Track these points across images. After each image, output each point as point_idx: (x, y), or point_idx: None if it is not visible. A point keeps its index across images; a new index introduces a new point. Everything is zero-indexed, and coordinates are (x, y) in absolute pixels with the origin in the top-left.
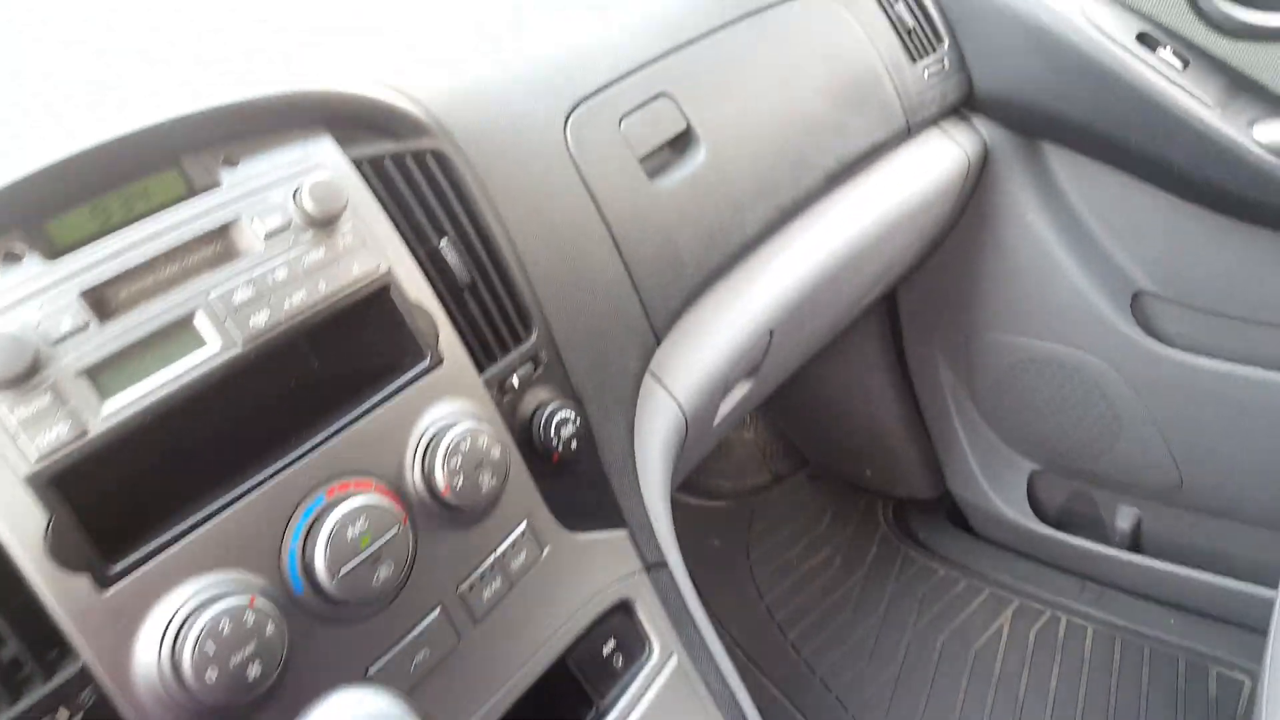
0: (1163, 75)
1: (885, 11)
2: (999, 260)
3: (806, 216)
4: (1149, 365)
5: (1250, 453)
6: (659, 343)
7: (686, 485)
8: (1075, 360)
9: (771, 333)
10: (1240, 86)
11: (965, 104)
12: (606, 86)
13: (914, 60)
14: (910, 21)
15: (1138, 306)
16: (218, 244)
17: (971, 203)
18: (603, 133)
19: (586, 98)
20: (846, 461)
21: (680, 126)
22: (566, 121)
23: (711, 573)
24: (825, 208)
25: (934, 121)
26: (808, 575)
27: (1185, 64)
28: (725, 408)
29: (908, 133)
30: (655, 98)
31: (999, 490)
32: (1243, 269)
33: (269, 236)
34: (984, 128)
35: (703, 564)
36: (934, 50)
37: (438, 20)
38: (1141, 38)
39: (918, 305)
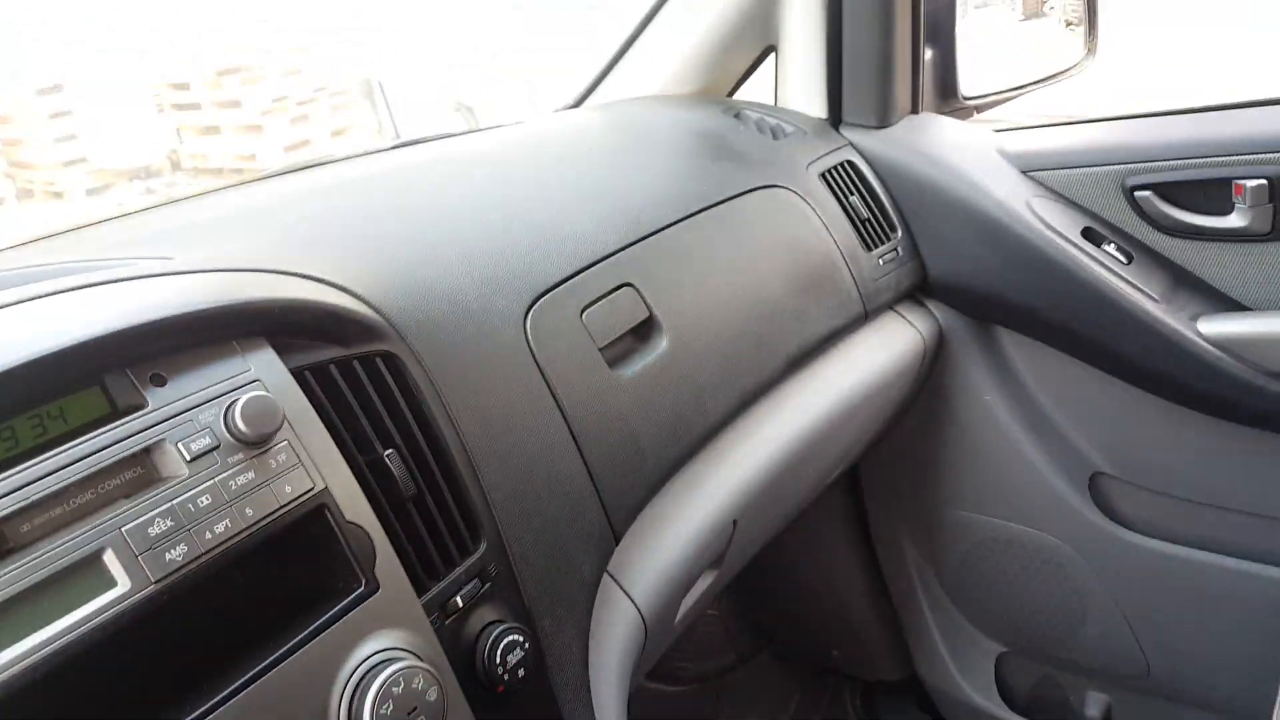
0: (1108, 269)
1: (841, 202)
2: (958, 438)
3: (768, 402)
4: (1109, 548)
5: (1214, 640)
6: (618, 542)
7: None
8: (1036, 541)
9: (735, 522)
10: (1182, 281)
11: (920, 289)
12: (569, 278)
13: (869, 248)
14: (864, 212)
15: (1096, 488)
16: (137, 469)
17: (930, 382)
18: (564, 325)
19: (548, 290)
20: (813, 641)
21: (643, 315)
22: (527, 315)
23: None
24: (786, 392)
25: (890, 306)
26: None
27: (1129, 259)
28: (688, 603)
29: (864, 317)
30: (618, 288)
31: (966, 674)
32: (1197, 455)
33: (194, 460)
34: (939, 311)
35: None
36: (888, 239)
37: (394, 213)
38: (1086, 233)
39: (881, 482)
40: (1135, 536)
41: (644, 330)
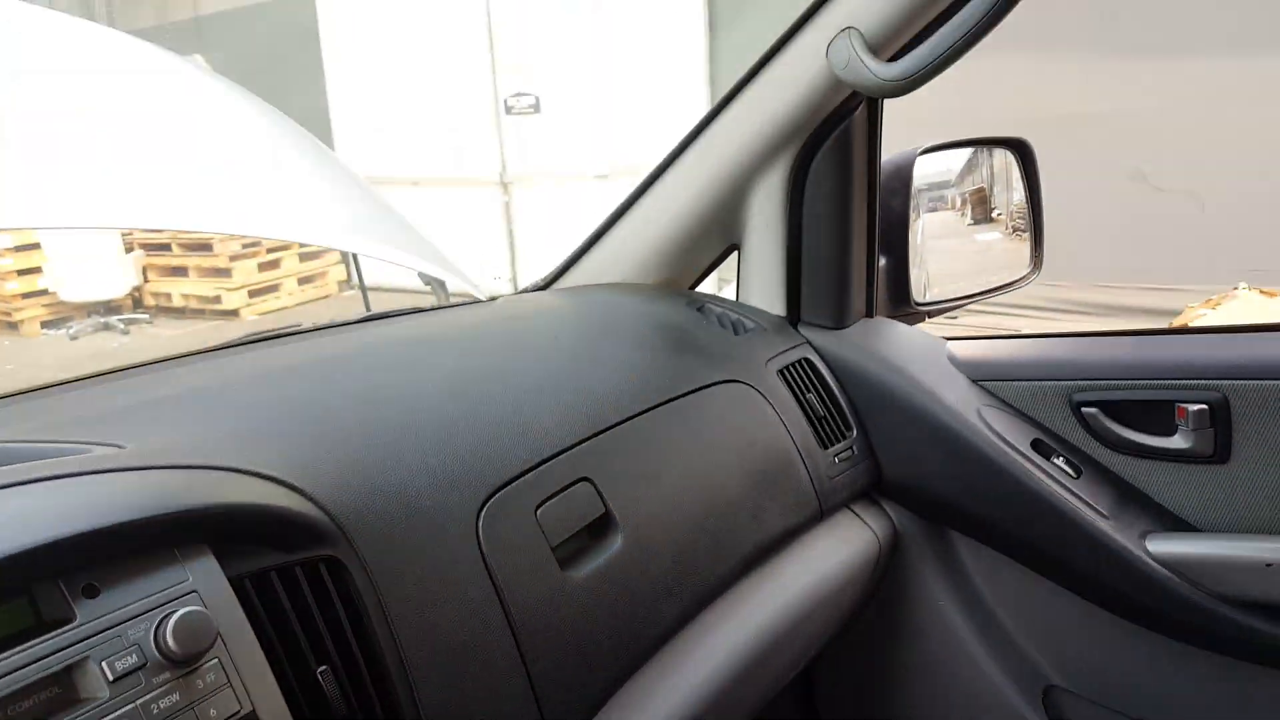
0: (1057, 482)
1: (798, 399)
2: (911, 644)
3: (723, 603)
4: None
5: None
6: None
7: None
8: None
9: None
10: (1131, 498)
11: (875, 488)
12: (525, 472)
13: (825, 446)
14: (821, 410)
15: (1050, 702)
16: (55, 689)
17: (884, 584)
18: (517, 522)
19: (503, 485)
20: None
21: (598, 511)
22: (480, 512)
23: None
24: (742, 594)
25: (845, 505)
26: None
27: (1078, 473)
28: None
29: (820, 516)
30: (575, 483)
31: None
32: (1149, 672)
33: (117, 680)
34: (894, 512)
35: None
36: (844, 437)
37: (354, 400)
38: (1036, 444)
39: (834, 687)
40: None
41: (599, 527)
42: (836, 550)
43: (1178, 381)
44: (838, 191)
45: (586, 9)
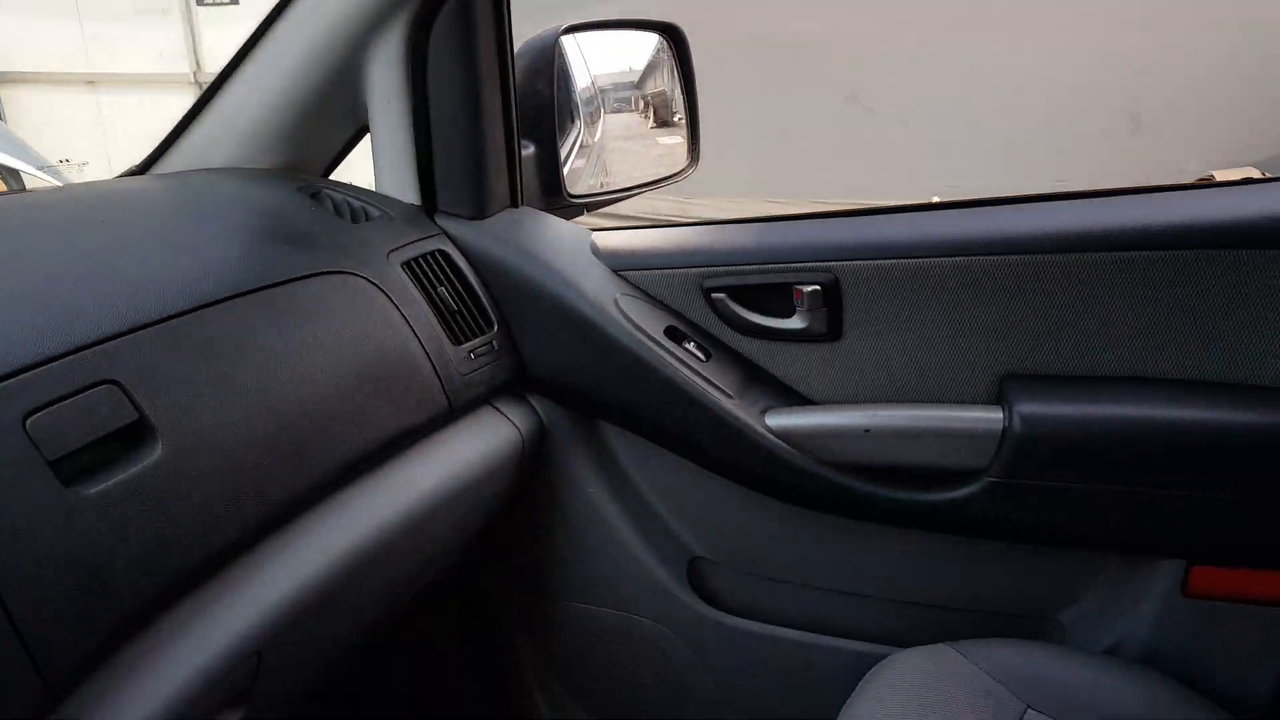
0: (687, 366)
1: (427, 294)
2: (565, 531)
3: (318, 513)
4: (704, 630)
5: (798, 707)
6: (63, 698)
7: None
8: (641, 629)
9: (259, 654)
10: (755, 378)
11: (520, 383)
12: (6, 378)
13: (458, 342)
14: (455, 304)
15: (694, 573)
16: None
17: (535, 476)
18: None
19: None
20: None
21: (128, 418)
22: None
23: None
24: (346, 500)
25: (486, 401)
26: None
27: (708, 356)
28: None
29: (451, 414)
30: (92, 386)
31: None
32: (774, 537)
33: None
34: (539, 406)
35: None
36: (483, 332)
37: None
38: (669, 331)
39: (491, 579)
40: (727, 617)
41: (130, 437)
42: (471, 447)
43: (795, 264)
44: (463, 67)
45: None
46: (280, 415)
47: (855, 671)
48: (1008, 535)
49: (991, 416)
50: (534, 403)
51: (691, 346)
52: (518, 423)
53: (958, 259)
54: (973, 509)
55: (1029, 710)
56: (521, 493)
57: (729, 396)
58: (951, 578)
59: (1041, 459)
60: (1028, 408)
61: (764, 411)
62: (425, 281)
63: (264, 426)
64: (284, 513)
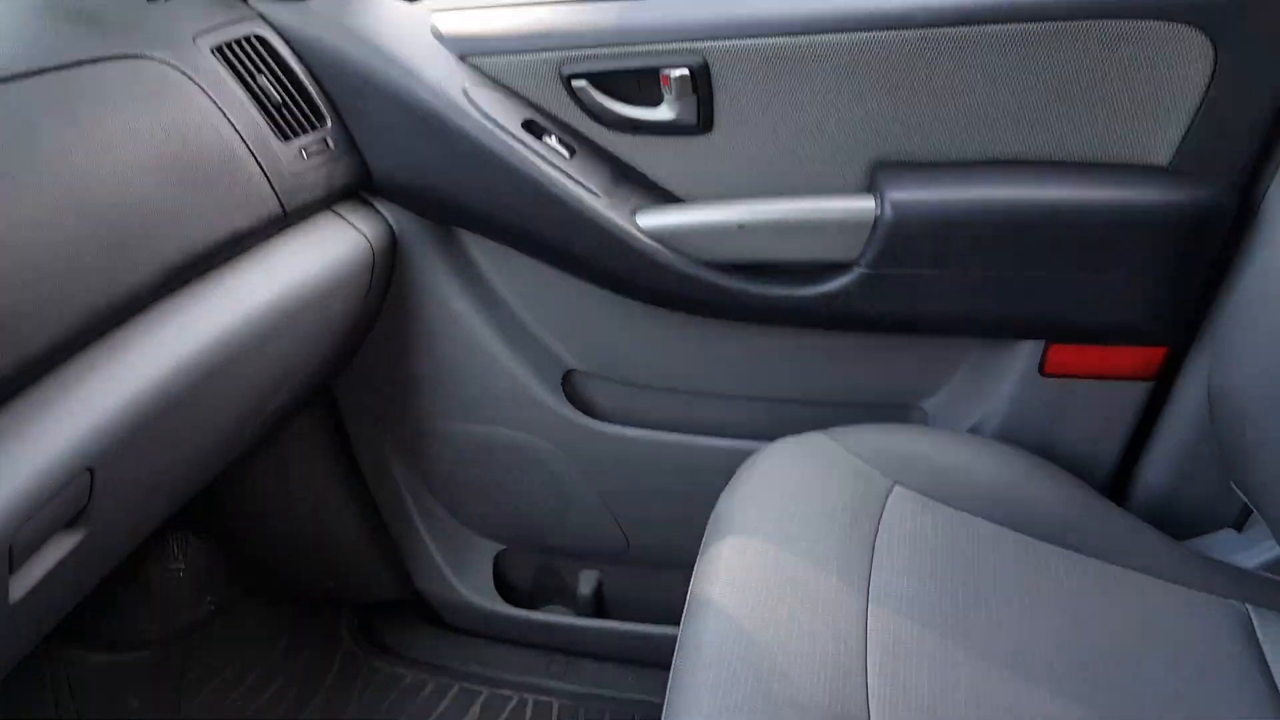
0: (550, 163)
1: (245, 83)
2: (432, 348)
3: (144, 321)
4: (584, 440)
5: (677, 507)
6: None
7: (90, 639)
8: (520, 442)
9: (91, 471)
10: (624, 176)
11: (363, 187)
12: None
13: (285, 139)
14: (279, 96)
15: (569, 385)
16: None
17: (392, 291)
18: None
19: None
20: (303, 576)
21: None
22: None
23: None
24: (174, 309)
25: (326, 206)
26: (254, 719)
27: (571, 152)
28: (32, 574)
29: (285, 218)
30: None
31: (465, 578)
32: (649, 344)
33: None
34: (389, 212)
35: None
36: (314, 129)
37: None
38: (528, 125)
39: (358, 399)
40: (605, 425)
41: None
42: (313, 257)
43: (662, 45)
44: None
45: None
46: (86, 213)
47: (733, 467)
48: (878, 326)
49: (864, 206)
50: (382, 209)
51: (553, 141)
52: (365, 231)
53: (833, 36)
54: (845, 301)
55: (896, 486)
56: (381, 310)
57: (596, 196)
58: (821, 373)
59: (911, 247)
60: (899, 195)
61: (634, 212)
62: (242, 70)
63: (68, 225)
64: (105, 319)
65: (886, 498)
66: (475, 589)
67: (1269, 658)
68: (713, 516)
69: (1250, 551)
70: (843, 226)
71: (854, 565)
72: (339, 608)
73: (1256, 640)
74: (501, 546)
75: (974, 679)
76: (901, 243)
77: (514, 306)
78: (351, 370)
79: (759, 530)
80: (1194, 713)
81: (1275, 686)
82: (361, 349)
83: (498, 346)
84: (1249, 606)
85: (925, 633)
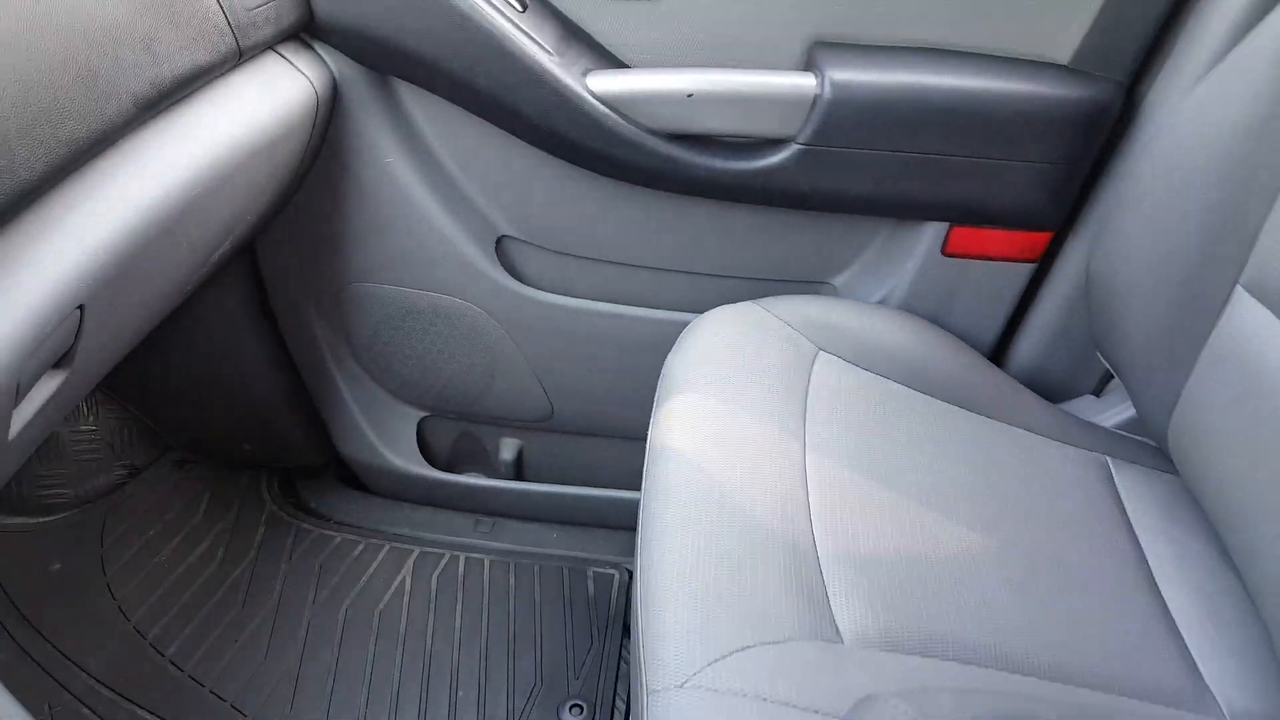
0: (504, 15)
1: None
2: (362, 206)
3: (118, 154)
4: (515, 307)
5: (604, 376)
6: None
7: (3, 504)
8: (449, 306)
9: (82, 308)
10: (575, 35)
11: (306, 30)
12: None
13: None
14: None
15: (502, 251)
16: None
17: (327, 143)
18: None
19: None
20: (220, 439)
21: None
22: None
23: (57, 605)
24: (144, 143)
25: (271, 46)
26: (183, 579)
27: (524, 6)
28: (25, 413)
29: (239, 55)
30: None
31: (389, 443)
32: (584, 214)
33: None
34: (330, 58)
35: (43, 595)
36: None
37: None
38: None
39: (281, 258)
40: (538, 293)
41: None
42: (263, 98)
43: None
44: None
45: None
46: (63, 34)
47: (659, 338)
48: (808, 202)
49: (806, 83)
50: (324, 54)
51: None
52: (310, 76)
53: None
54: (781, 176)
55: (821, 352)
56: (315, 163)
57: (549, 54)
58: (746, 249)
59: (846, 126)
60: (839, 74)
61: (585, 74)
62: None
63: (49, 46)
64: (84, 151)
65: (814, 362)
66: (399, 454)
67: (1123, 498)
68: (663, 374)
69: (1108, 414)
70: (785, 102)
71: (791, 418)
72: (260, 472)
73: (1114, 484)
74: (424, 413)
75: (895, 511)
76: (837, 121)
77: (450, 168)
78: (276, 227)
79: (707, 387)
80: (1066, 540)
81: (1128, 520)
82: (291, 209)
83: (431, 207)
84: (1108, 458)
85: (853, 474)
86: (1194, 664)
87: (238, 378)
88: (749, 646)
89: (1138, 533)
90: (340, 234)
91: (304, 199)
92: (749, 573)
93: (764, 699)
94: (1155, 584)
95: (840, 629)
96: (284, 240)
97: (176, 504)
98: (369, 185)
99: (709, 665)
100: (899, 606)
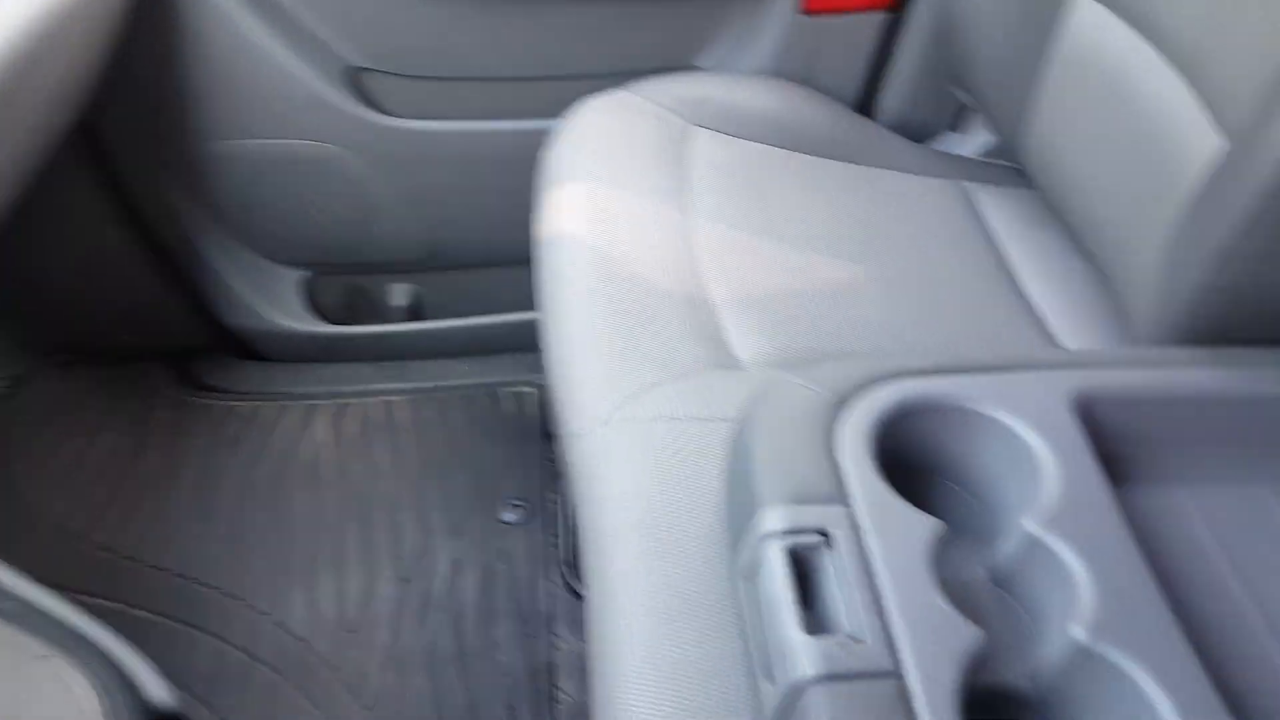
0: None
1: None
2: (202, 59)
3: None
4: (378, 140)
5: (484, 199)
6: None
7: None
8: (309, 152)
9: None
10: None
11: None
12: None
13: None
14: None
15: (357, 83)
16: None
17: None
18: None
19: None
20: (100, 333)
21: None
22: None
23: None
24: None
25: None
26: (94, 473)
27: None
28: None
29: None
30: None
31: (275, 306)
32: (434, 33)
33: None
34: None
35: None
36: None
37: None
38: None
39: (125, 132)
40: (398, 121)
41: None
42: None
43: None
44: None
45: None
46: None
47: (537, 150)
48: None
49: None
50: None
51: None
52: None
53: None
54: None
55: (695, 126)
56: (144, 20)
57: None
58: (604, 44)
59: None
60: None
61: None
62: None
63: None
64: None
65: (687, 135)
66: (288, 315)
67: (984, 215)
68: (540, 168)
69: (966, 145)
70: None
71: (672, 191)
72: (151, 361)
73: (975, 207)
74: (308, 272)
75: (777, 257)
76: None
77: (287, 5)
78: (115, 102)
79: (587, 171)
80: (933, 257)
81: (988, 233)
82: (125, 76)
83: (272, 45)
84: (968, 184)
85: (737, 233)
86: (1052, 338)
87: (104, 267)
88: (658, 384)
89: (997, 243)
90: (180, 93)
91: (137, 64)
92: (649, 324)
93: (674, 419)
94: (1015, 281)
95: (738, 358)
96: (124, 112)
97: (69, 405)
98: (203, 34)
99: (624, 401)
100: (789, 331)
